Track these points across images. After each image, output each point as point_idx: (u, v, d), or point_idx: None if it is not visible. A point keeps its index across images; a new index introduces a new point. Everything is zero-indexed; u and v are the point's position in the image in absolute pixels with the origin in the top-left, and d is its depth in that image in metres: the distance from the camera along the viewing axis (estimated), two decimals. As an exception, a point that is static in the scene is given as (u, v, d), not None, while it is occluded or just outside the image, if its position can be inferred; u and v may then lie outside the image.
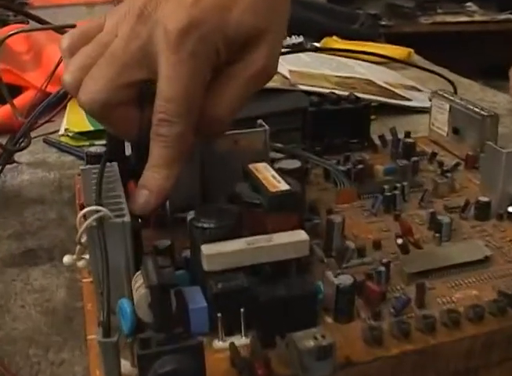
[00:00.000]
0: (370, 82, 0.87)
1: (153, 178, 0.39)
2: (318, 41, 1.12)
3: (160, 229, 0.46)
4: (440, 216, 0.46)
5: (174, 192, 0.42)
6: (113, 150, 0.45)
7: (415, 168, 0.56)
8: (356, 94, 0.63)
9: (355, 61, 0.99)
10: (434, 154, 0.58)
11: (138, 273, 0.35)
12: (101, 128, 0.69)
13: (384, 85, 0.87)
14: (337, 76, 0.88)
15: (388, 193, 0.50)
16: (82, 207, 0.38)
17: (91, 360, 0.35)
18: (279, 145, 0.53)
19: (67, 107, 0.75)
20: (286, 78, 0.80)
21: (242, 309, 0.34)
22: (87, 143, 0.70)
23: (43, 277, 0.46)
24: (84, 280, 0.42)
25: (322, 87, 0.79)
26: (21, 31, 0.76)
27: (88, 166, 0.43)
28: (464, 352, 0.36)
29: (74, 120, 0.74)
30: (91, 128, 0.72)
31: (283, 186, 0.39)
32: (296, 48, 1.02)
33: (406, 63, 0.97)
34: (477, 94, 0.90)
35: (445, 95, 0.62)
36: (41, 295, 0.44)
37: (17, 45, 0.93)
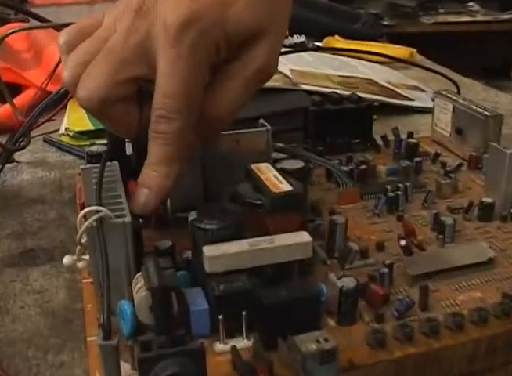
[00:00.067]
0: (372, 82, 0.87)
1: (152, 177, 0.39)
2: (320, 41, 1.12)
3: (161, 230, 0.46)
4: (443, 217, 0.46)
5: (176, 191, 0.41)
6: (114, 149, 0.45)
7: (418, 169, 0.55)
8: (358, 94, 0.62)
9: (357, 61, 0.99)
10: (437, 155, 0.58)
11: (138, 275, 0.34)
12: (101, 127, 0.69)
13: (387, 85, 0.87)
14: (339, 75, 0.88)
15: (391, 194, 0.49)
16: (83, 207, 0.38)
17: (91, 362, 0.35)
18: (281, 145, 0.52)
19: (68, 106, 0.75)
20: (288, 78, 0.80)
21: (244, 312, 0.34)
22: (87, 143, 0.69)
23: (43, 278, 0.46)
24: (84, 281, 0.42)
25: (324, 86, 0.79)
26: (21, 29, 0.75)
27: (89, 165, 0.43)
28: (468, 355, 0.36)
29: (75, 119, 0.74)
30: (92, 128, 0.71)
31: (286, 186, 0.39)
32: (298, 48, 1.01)
33: (409, 62, 0.96)
34: (479, 94, 0.90)
35: (449, 95, 0.61)
36: (41, 296, 0.44)
37: (17, 44, 0.93)
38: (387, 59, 0.96)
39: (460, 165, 0.56)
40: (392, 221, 0.48)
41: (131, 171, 0.43)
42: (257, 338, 0.34)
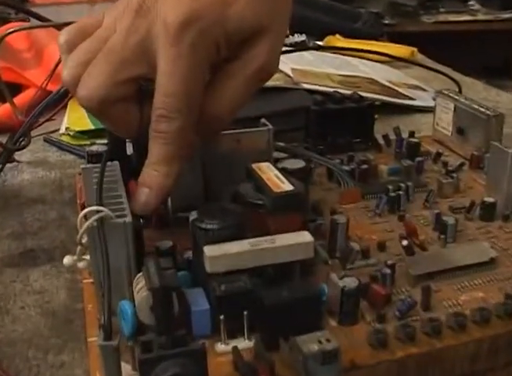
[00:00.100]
0: (373, 81, 0.87)
1: (153, 176, 0.39)
2: (320, 40, 1.11)
3: (162, 229, 0.46)
4: (445, 217, 0.45)
5: (176, 191, 0.41)
6: (115, 149, 0.45)
7: (419, 168, 0.55)
8: (360, 93, 0.62)
9: (358, 60, 0.99)
10: (438, 154, 0.58)
11: (139, 275, 0.34)
12: (102, 127, 0.69)
13: (388, 84, 0.87)
14: (340, 75, 0.88)
15: (393, 194, 0.49)
16: (83, 206, 0.37)
17: (92, 363, 0.35)
18: (282, 144, 0.52)
19: (68, 106, 0.75)
20: (289, 77, 0.80)
21: (245, 312, 0.34)
22: (88, 142, 0.69)
23: (43, 278, 0.45)
24: (85, 281, 0.42)
25: (325, 86, 0.79)
26: (21, 29, 0.75)
27: (89, 165, 0.43)
28: (470, 355, 0.36)
29: (75, 118, 0.74)
30: (92, 127, 0.71)
31: (287, 186, 0.39)
32: (299, 47, 1.01)
33: (410, 61, 0.96)
34: (480, 93, 0.89)
35: (450, 94, 0.61)
36: (41, 296, 0.43)
37: (18, 43, 0.92)
38: (388, 58, 0.96)
39: (462, 165, 0.56)
40: (394, 221, 0.48)
41: (132, 170, 0.42)
42: (259, 339, 0.34)
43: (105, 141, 0.49)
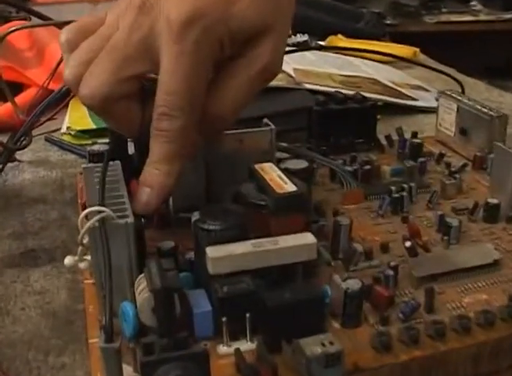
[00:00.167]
0: (376, 81, 0.87)
1: (154, 175, 0.38)
2: (322, 40, 1.11)
3: (164, 230, 0.45)
4: (449, 218, 0.45)
5: (178, 191, 0.41)
6: (116, 148, 0.45)
7: (422, 169, 0.55)
8: (362, 93, 0.62)
9: (360, 60, 0.98)
10: (441, 155, 0.58)
11: (141, 276, 0.34)
12: (103, 126, 0.69)
13: (390, 85, 0.86)
14: (341, 75, 0.88)
15: (396, 195, 0.49)
16: (84, 206, 0.37)
17: (93, 364, 0.34)
18: (284, 144, 0.52)
19: (69, 105, 0.74)
20: (291, 77, 0.80)
21: (247, 314, 0.34)
22: (89, 142, 0.69)
23: (44, 279, 0.45)
24: (86, 282, 0.41)
25: (327, 86, 0.78)
26: (22, 28, 0.75)
27: (91, 165, 0.43)
28: (473, 357, 0.35)
29: (76, 118, 0.74)
30: (94, 127, 0.71)
31: (290, 187, 0.38)
32: (301, 47, 1.01)
33: (413, 62, 0.96)
34: (482, 94, 0.89)
35: (453, 95, 0.61)
36: (42, 297, 0.43)
37: (19, 42, 0.92)
38: (390, 59, 0.96)
39: (465, 166, 0.56)
40: (396, 222, 0.47)
41: (134, 170, 0.42)
42: (261, 341, 0.33)
43: (106, 140, 0.49)
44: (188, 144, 0.39)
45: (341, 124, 0.59)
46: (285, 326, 0.33)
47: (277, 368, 0.31)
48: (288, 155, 0.50)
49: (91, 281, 0.40)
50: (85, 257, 0.37)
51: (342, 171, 0.52)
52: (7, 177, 0.62)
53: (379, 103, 0.69)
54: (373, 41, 1.12)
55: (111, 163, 0.41)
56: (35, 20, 0.77)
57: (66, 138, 0.71)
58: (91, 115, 0.73)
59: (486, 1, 2.41)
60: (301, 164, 0.45)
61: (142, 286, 0.33)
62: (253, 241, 0.35)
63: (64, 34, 0.41)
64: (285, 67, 0.80)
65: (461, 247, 0.44)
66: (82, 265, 0.37)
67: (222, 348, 0.34)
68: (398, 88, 0.85)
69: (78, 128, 0.72)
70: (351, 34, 1.13)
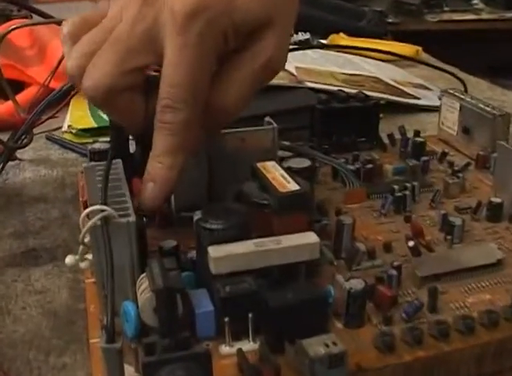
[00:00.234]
0: (378, 80, 0.86)
1: (157, 168, 0.38)
2: (324, 38, 1.11)
3: (166, 229, 0.45)
4: (452, 218, 0.45)
5: (180, 190, 0.41)
6: (117, 146, 0.44)
7: (425, 168, 0.55)
8: (364, 92, 0.62)
9: (361, 58, 0.98)
10: (444, 154, 0.57)
11: (143, 275, 0.34)
12: (104, 124, 0.69)
13: (392, 83, 0.86)
14: (343, 73, 0.87)
15: (398, 194, 0.48)
16: (85, 205, 0.37)
17: (94, 365, 0.34)
18: (286, 143, 0.52)
19: (71, 104, 0.74)
20: (293, 75, 0.79)
21: (250, 314, 0.33)
22: (90, 140, 0.69)
23: (45, 278, 0.45)
24: (87, 281, 0.41)
25: (329, 84, 0.78)
26: (23, 26, 0.75)
27: (92, 163, 0.42)
28: (477, 357, 0.35)
29: (78, 116, 0.74)
30: (95, 125, 0.71)
31: (293, 186, 0.38)
32: (303, 45, 1.01)
33: (415, 60, 0.96)
34: (485, 92, 0.89)
35: (456, 93, 0.61)
36: (43, 297, 0.43)
37: (20, 40, 0.92)
38: (392, 57, 0.96)
39: (468, 165, 0.56)
40: (399, 221, 0.47)
41: (135, 169, 0.42)
42: (264, 341, 0.33)
43: (107, 139, 0.49)
44: (191, 137, 0.39)
45: (344, 123, 0.59)
46: (288, 326, 0.33)
47: (280, 369, 0.31)
48: (290, 154, 0.50)
49: (92, 280, 0.40)
50: (87, 256, 0.37)
51: (344, 170, 0.52)
52: (8, 176, 0.62)
53: (381, 102, 0.69)
54: (375, 40, 1.11)
55: (112, 161, 0.41)
56: (36, 18, 0.77)
57: (67, 136, 0.71)
58: (92, 114, 0.73)
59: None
60: (303, 162, 0.45)
61: (143, 285, 0.33)
62: (255, 241, 0.35)
63: (66, 26, 0.40)
64: (287, 66, 0.80)
65: (464, 247, 0.44)
66: (83, 264, 0.37)
67: (224, 349, 0.34)
68: (401, 87, 0.85)
69: (79, 126, 0.71)
70: (353, 33, 1.13)
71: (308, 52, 0.96)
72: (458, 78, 0.81)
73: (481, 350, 0.35)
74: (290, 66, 0.82)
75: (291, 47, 0.82)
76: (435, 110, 0.67)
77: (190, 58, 0.37)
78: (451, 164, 0.56)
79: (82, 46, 0.39)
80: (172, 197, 0.45)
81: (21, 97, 0.72)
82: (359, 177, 0.52)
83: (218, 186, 0.45)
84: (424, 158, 0.55)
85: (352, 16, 1.20)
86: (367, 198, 0.50)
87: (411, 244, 0.42)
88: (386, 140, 0.61)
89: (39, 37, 0.92)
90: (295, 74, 0.80)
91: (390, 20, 1.92)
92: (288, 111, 0.65)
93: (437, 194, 0.50)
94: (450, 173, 0.54)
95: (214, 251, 0.34)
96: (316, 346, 0.30)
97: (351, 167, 0.53)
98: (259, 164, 0.41)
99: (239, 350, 0.33)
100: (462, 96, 0.60)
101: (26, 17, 1.03)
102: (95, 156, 0.47)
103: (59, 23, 0.65)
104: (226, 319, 0.33)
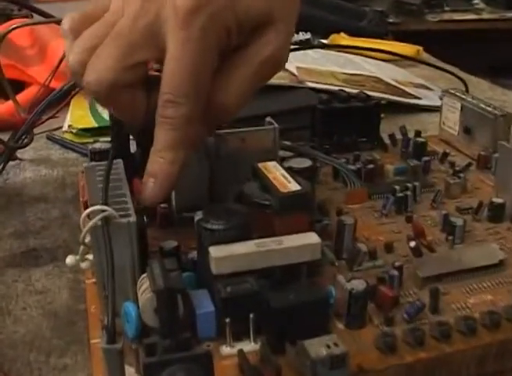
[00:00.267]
0: (379, 80, 0.86)
1: (158, 163, 0.38)
2: (325, 38, 1.11)
3: (166, 229, 0.45)
4: (453, 218, 0.45)
5: (181, 190, 0.41)
6: (118, 146, 0.44)
7: (426, 168, 0.54)
8: (365, 92, 0.62)
9: (362, 58, 0.98)
10: (445, 154, 0.57)
11: (143, 276, 0.34)
12: (105, 124, 0.69)
13: (393, 83, 0.86)
14: (344, 73, 0.87)
15: (400, 194, 0.48)
16: (86, 205, 0.37)
17: (95, 366, 0.34)
18: (287, 143, 0.51)
19: (71, 103, 0.74)
20: (294, 75, 0.79)
21: (251, 314, 0.33)
22: (91, 140, 0.68)
23: (45, 278, 0.45)
24: (88, 281, 0.41)
25: (330, 84, 0.78)
26: (24, 25, 0.75)
27: (92, 163, 0.42)
28: (478, 358, 0.35)
29: (78, 116, 0.74)
30: (95, 125, 0.71)
31: (294, 186, 0.38)
32: (303, 45, 1.01)
33: (416, 60, 0.96)
34: (485, 92, 0.89)
35: (457, 93, 0.61)
36: (43, 297, 0.43)
37: (21, 40, 0.92)
38: (393, 57, 0.96)
39: (469, 165, 0.56)
40: (400, 221, 0.47)
41: (135, 169, 0.42)
42: (265, 342, 0.33)
43: (108, 139, 0.49)
44: (192, 133, 0.38)
45: (345, 123, 0.59)
46: (289, 327, 0.33)
47: (281, 369, 0.31)
48: (291, 154, 0.49)
49: (93, 281, 0.40)
50: (87, 256, 0.37)
51: (345, 170, 0.52)
52: (8, 176, 0.62)
53: (382, 102, 0.69)
54: (375, 40, 1.11)
55: (113, 161, 0.40)
56: (37, 18, 0.77)
57: (67, 136, 0.71)
58: (92, 113, 0.73)
59: (489, -1, 2.41)
60: (304, 162, 0.45)
61: (144, 286, 0.33)
62: (256, 241, 0.35)
63: (67, 21, 0.40)
64: (288, 66, 0.80)
65: (466, 247, 0.44)
66: (84, 264, 0.37)
67: (225, 349, 0.34)
68: (402, 87, 0.85)
69: (80, 126, 0.71)
70: (353, 33, 1.12)
71: (309, 52, 0.96)
72: (459, 78, 0.81)
73: (483, 351, 0.35)
74: (290, 66, 0.82)
75: (292, 47, 0.82)
76: (436, 110, 0.66)
77: (193, 52, 0.37)
78: (452, 165, 0.56)
79: (84, 41, 0.39)
80: (173, 198, 0.45)
81: (21, 97, 0.72)
82: (360, 177, 0.52)
83: (219, 187, 0.45)
84: (425, 158, 0.55)
85: (353, 16, 1.20)
86: (368, 198, 0.50)
87: (412, 244, 0.42)
88: (387, 140, 0.60)
89: (40, 37, 0.92)
90: (296, 73, 0.80)
91: (391, 20, 1.92)
92: (289, 111, 0.65)
93: (438, 194, 0.49)
94: (451, 173, 0.54)
95: (215, 252, 0.34)
96: (318, 347, 0.30)
97: (352, 167, 0.53)
98: (260, 164, 0.41)
99: (240, 351, 0.33)
100: (463, 96, 0.60)
101: (26, 17, 1.03)
102: (96, 156, 0.47)
103: (59, 22, 0.64)
104: (227, 320, 0.33)
